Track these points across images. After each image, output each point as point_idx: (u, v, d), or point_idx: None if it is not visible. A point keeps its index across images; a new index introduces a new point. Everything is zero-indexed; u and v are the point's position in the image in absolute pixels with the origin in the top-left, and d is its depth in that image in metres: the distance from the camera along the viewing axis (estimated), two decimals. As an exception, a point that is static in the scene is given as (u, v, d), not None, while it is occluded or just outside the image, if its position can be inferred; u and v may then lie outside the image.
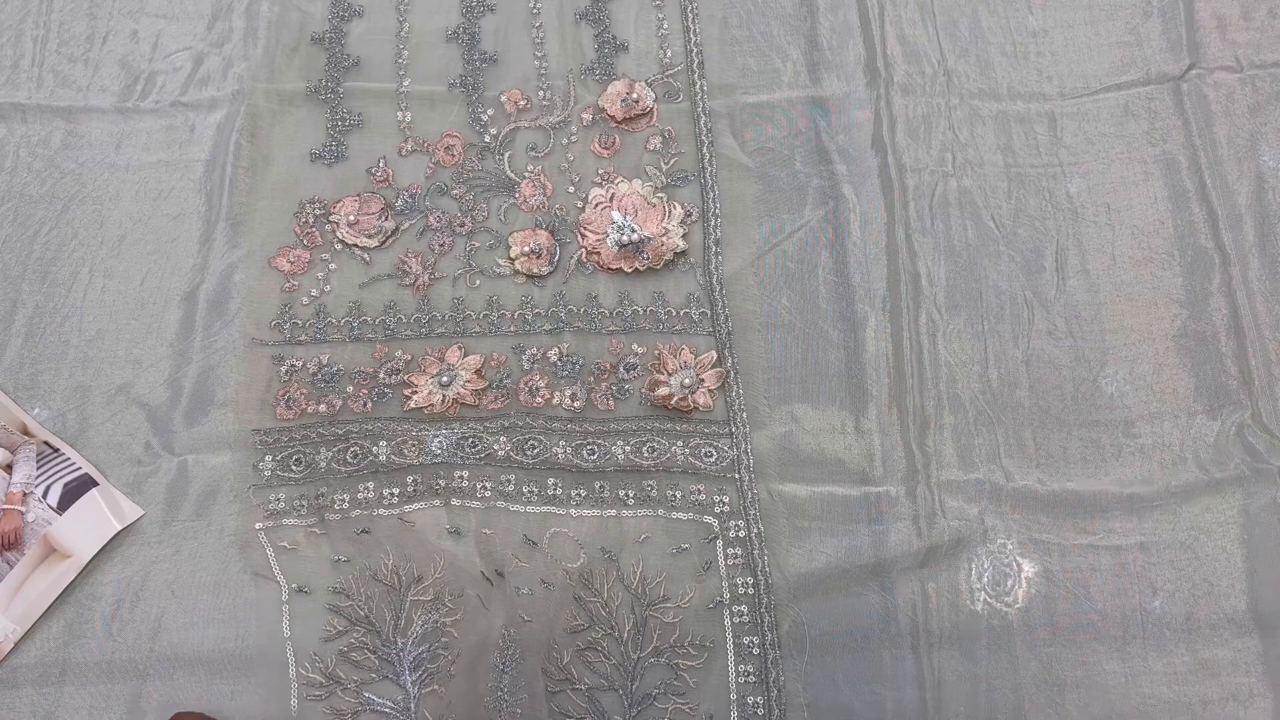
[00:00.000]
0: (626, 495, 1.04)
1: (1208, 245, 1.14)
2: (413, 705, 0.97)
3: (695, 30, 1.24)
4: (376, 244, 1.14)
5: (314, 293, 1.12)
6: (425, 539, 1.02)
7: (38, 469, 1.03)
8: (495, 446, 1.05)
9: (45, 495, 1.02)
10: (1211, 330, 1.10)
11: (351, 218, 1.15)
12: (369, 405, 1.07)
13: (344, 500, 1.04)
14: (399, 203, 1.16)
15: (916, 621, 1.00)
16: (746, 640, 0.99)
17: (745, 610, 1.00)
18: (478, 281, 1.13)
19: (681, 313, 1.12)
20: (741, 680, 0.98)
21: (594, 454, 1.05)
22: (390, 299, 1.12)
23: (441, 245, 1.14)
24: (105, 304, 1.11)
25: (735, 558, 1.02)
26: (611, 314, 1.12)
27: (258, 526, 1.03)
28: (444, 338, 1.11)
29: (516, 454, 1.05)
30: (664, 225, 1.14)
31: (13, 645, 0.98)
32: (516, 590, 1.00)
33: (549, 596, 1.00)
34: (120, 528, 1.02)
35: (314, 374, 1.08)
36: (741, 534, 1.02)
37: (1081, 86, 1.22)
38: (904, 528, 1.03)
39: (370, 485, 1.04)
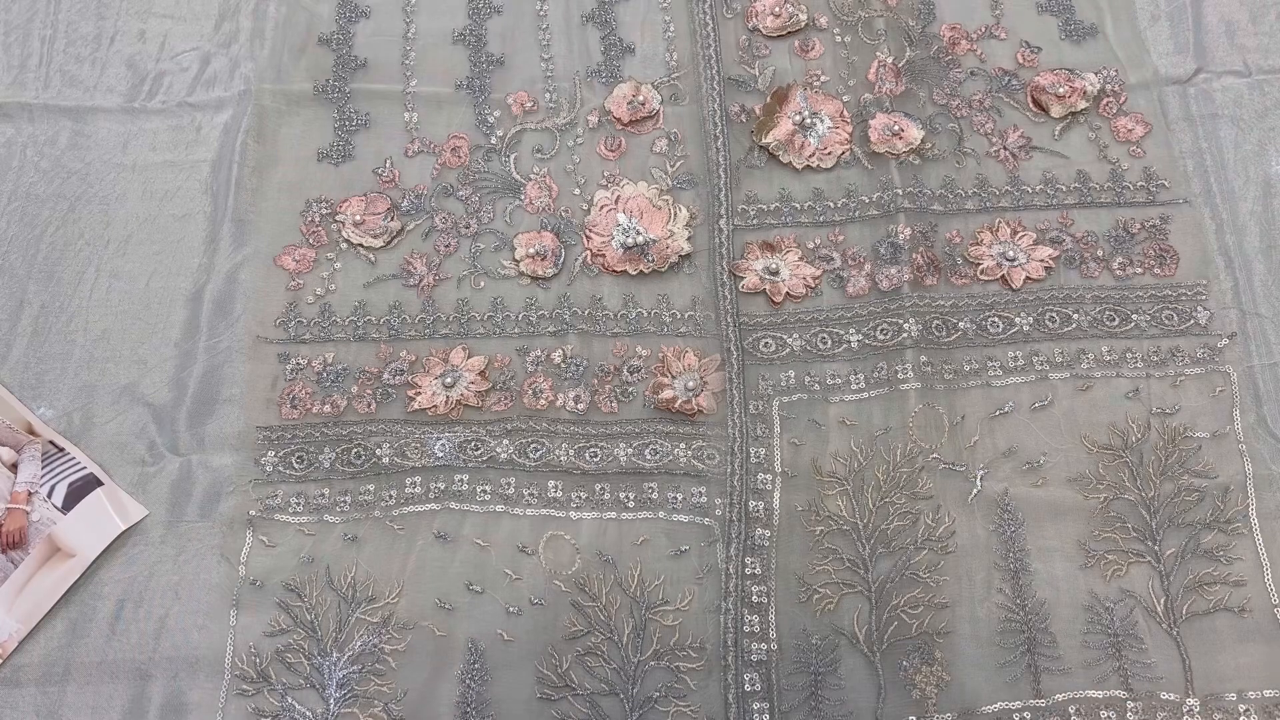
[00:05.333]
0: (627, 498, 1.04)
1: (1212, 250, 1.14)
2: None
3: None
4: (382, 244, 1.15)
5: (319, 291, 1.13)
6: (408, 546, 1.02)
7: (43, 468, 1.04)
8: (498, 449, 1.05)
9: (50, 495, 1.03)
10: (1216, 335, 1.10)
11: (357, 218, 1.15)
12: (373, 406, 1.07)
13: (344, 503, 1.04)
14: (405, 203, 1.17)
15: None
16: (747, 644, 0.99)
17: (746, 613, 1.00)
18: (482, 283, 1.13)
19: (686, 315, 1.12)
20: (747, 689, 0.98)
21: (596, 456, 1.05)
22: (395, 299, 1.12)
23: (447, 246, 1.15)
24: (111, 304, 1.11)
25: (735, 561, 1.01)
26: (616, 316, 1.12)
27: (251, 514, 1.03)
28: (448, 339, 1.11)
29: (519, 457, 1.05)
30: (669, 228, 1.14)
31: (16, 644, 0.98)
32: (505, 609, 1.00)
33: (540, 614, 1.00)
34: (124, 527, 1.02)
35: (319, 373, 1.09)
36: (744, 537, 1.02)
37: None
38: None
39: (371, 488, 1.04)
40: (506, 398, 1.08)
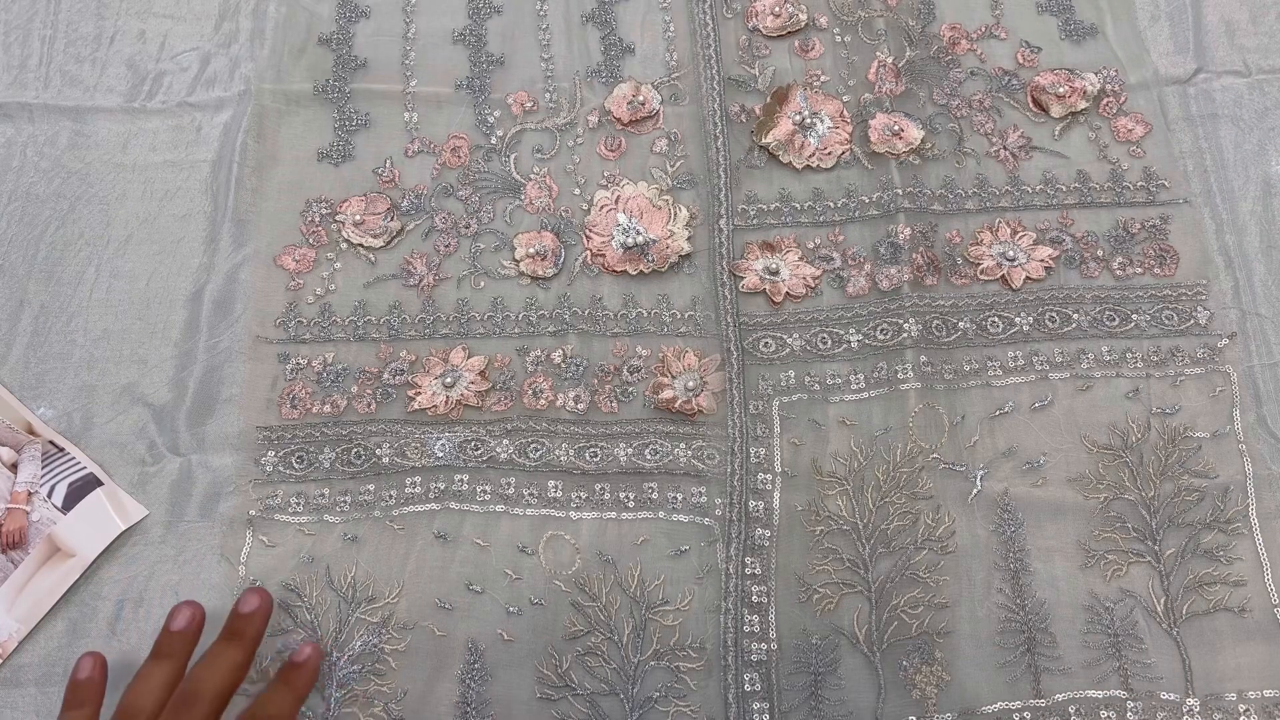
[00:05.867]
0: (627, 498, 1.04)
1: (1212, 250, 1.14)
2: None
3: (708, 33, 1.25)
4: (382, 244, 1.15)
5: (319, 291, 1.13)
6: (408, 546, 1.02)
7: (42, 468, 1.04)
8: (498, 449, 1.05)
9: (50, 495, 1.03)
10: (1216, 335, 1.10)
11: (357, 217, 1.15)
12: (373, 406, 1.07)
13: (344, 503, 1.04)
14: (405, 203, 1.17)
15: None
16: (747, 644, 0.99)
17: (746, 613, 1.00)
18: (482, 283, 1.13)
19: (686, 315, 1.12)
20: (747, 689, 0.98)
21: (596, 456, 1.05)
22: (395, 299, 1.12)
23: (447, 246, 1.15)
24: (111, 304, 1.11)
25: (735, 561, 1.02)
26: (616, 316, 1.12)
27: (251, 514, 1.03)
28: (448, 339, 1.11)
29: (519, 457, 1.05)
30: (669, 228, 1.14)
31: (16, 644, 0.98)
32: (505, 609, 1.00)
33: (540, 614, 1.00)
34: (124, 527, 1.02)
35: (319, 373, 1.09)
36: (744, 537, 1.02)
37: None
38: (907, 532, 1.03)
39: (371, 488, 1.04)
40: (506, 398, 1.08)
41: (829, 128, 1.19)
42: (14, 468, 1.04)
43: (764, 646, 0.99)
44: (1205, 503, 1.03)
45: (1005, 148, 1.18)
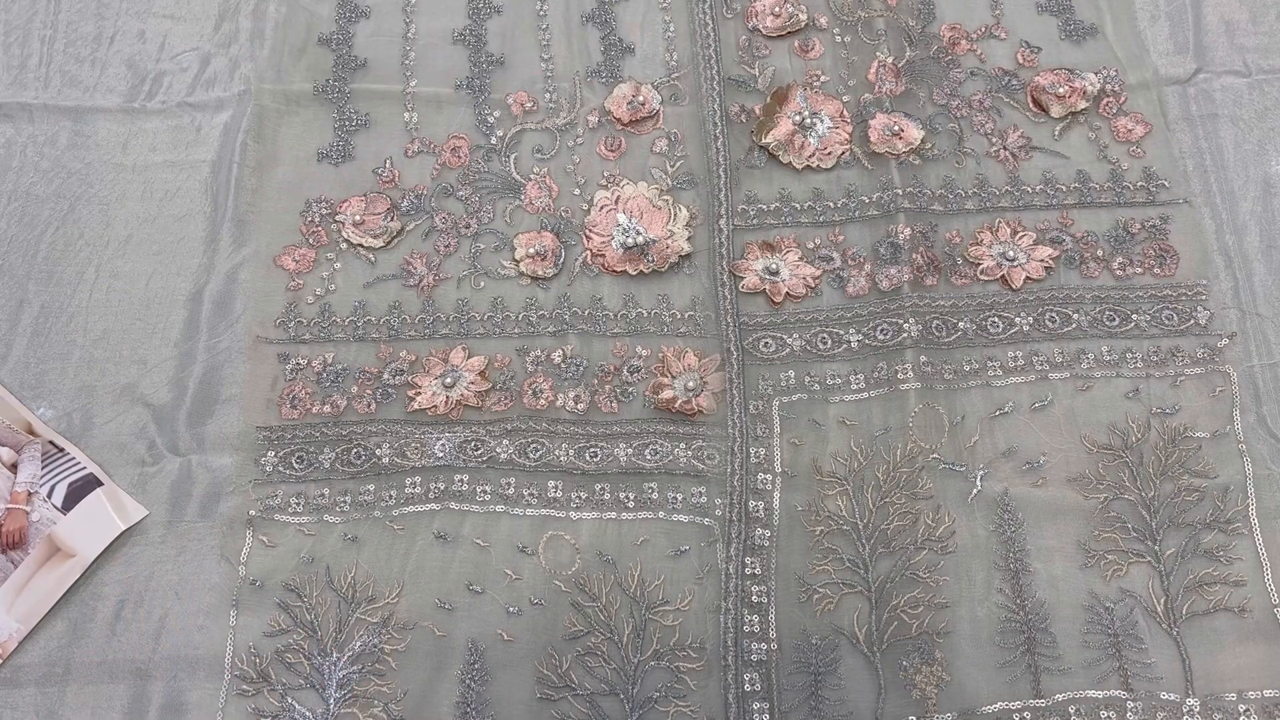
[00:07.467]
0: (627, 498, 1.04)
1: (1212, 250, 1.14)
2: None
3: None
4: (382, 244, 1.15)
5: (319, 292, 1.13)
6: (408, 546, 1.02)
7: (42, 468, 1.04)
8: (498, 449, 1.05)
9: (50, 495, 1.03)
10: (1216, 335, 1.10)
11: (357, 218, 1.15)
12: (373, 406, 1.07)
13: (344, 503, 1.04)
14: (405, 203, 1.17)
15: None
16: (747, 644, 0.99)
17: (746, 613, 1.00)
18: (482, 283, 1.13)
19: (686, 315, 1.12)
20: (747, 689, 0.98)
21: (596, 457, 1.05)
22: (395, 299, 1.12)
23: (447, 246, 1.15)
24: (111, 304, 1.11)
25: (735, 561, 1.01)
26: (616, 316, 1.12)
27: (251, 514, 1.03)
28: (448, 339, 1.11)
29: (519, 457, 1.05)
30: (669, 228, 1.14)
31: (16, 644, 0.98)
32: (505, 609, 1.00)
33: (540, 614, 1.00)
34: (124, 528, 1.02)
35: (319, 373, 1.09)
36: (744, 537, 1.02)
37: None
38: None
39: (371, 488, 1.04)
40: (506, 398, 1.08)
41: (829, 128, 1.19)
42: (14, 468, 1.04)
43: (764, 646, 0.99)
44: (1205, 503, 1.03)
45: (1005, 148, 1.18)
